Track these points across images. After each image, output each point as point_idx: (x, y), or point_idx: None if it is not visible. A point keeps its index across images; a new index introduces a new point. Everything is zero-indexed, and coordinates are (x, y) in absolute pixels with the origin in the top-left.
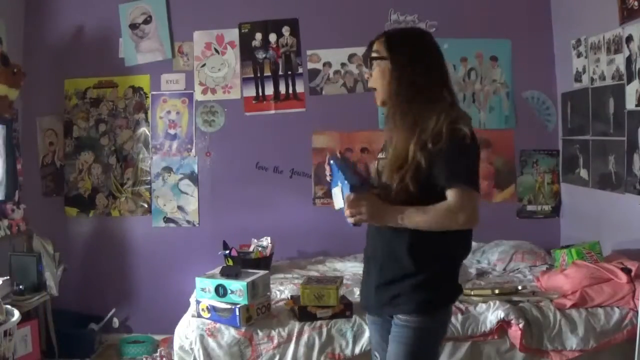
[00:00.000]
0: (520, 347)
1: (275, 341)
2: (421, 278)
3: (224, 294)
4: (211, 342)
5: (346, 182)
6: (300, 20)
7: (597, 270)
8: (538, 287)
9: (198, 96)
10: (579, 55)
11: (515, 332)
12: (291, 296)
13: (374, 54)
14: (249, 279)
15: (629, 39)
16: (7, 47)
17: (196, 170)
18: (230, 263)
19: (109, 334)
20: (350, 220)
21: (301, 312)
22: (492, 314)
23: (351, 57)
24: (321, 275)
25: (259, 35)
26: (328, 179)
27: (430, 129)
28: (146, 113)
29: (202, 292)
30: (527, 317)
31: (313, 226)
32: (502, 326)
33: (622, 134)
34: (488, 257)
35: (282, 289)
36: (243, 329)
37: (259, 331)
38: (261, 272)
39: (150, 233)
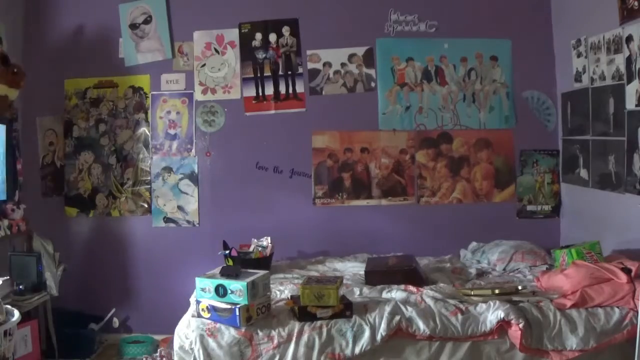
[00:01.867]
0: (520, 347)
1: (275, 341)
2: None
3: (224, 294)
4: (211, 342)
5: None
6: (300, 20)
7: (597, 270)
8: (538, 287)
9: (198, 96)
10: (579, 55)
11: (515, 332)
12: (291, 296)
13: None
14: (249, 279)
15: (629, 39)
16: (7, 47)
17: (196, 170)
18: (230, 263)
19: (109, 334)
20: None
21: (301, 312)
22: (492, 314)
23: (351, 57)
24: (321, 275)
25: (259, 35)
26: None
27: None
28: (146, 113)
29: (202, 292)
30: (527, 317)
31: (313, 226)
32: (502, 326)
33: (622, 134)
34: (488, 257)
35: (282, 289)
36: (243, 329)
37: (259, 331)
38: (261, 272)
39: (150, 233)
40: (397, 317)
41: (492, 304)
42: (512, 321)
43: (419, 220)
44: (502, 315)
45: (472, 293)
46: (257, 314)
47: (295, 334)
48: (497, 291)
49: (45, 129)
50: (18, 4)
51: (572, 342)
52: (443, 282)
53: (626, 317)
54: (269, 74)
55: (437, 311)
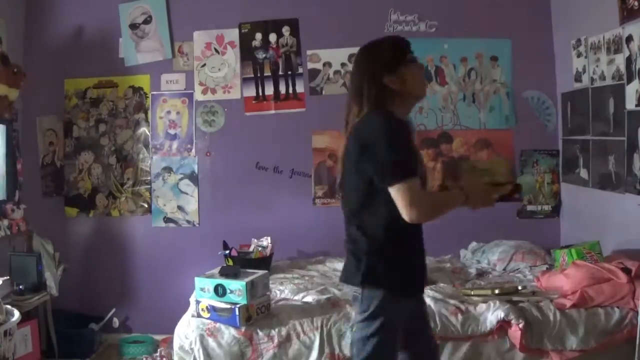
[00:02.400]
0: (520, 347)
1: (276, 341)
2: None
3: (223, 294)
4: (211, 342)
5: None
6: (300, 20)
7: (597, 270)
8: (538, 287)
9: (198, 96)
10: (579, 55)
11: (515, 332)
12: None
13: None
14: (248, 279)
15: (629, 39)
16: (7, 47)
17: (196, 170)
18: (230, 263)
19: (109, 334)
20: None
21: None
22: (492, 314)
23: (351, 57)
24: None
25: (259, 35)
26: None
27: None
28: (146, 113)
29: (202, 291)
30: (527, 317)
31: (313, 226)
32: (502, 326)
33: (622, 134)
34: (488, 257)
35: (282, 289)
36: (243, 329)
37: (259, 331)
38: (260, 272)
39: (150, 233)
40: None
41: (492, 304)
42: (512, 321)
43: None
44: (502, 315)
45: (472, 293)
46: (257, 314)
47: (295, 334)
48: (497, 291)
49: (45, 129)
50: (18, 4)
51: (572, 342)
52: (443, 282)
53: (626, 317)
54: (269, 74)
55: (437, 311)
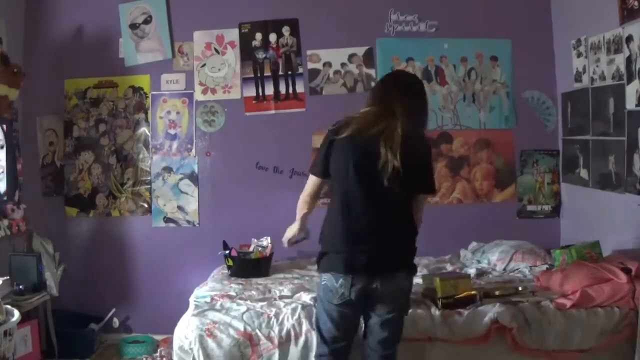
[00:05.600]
0: (519, 348)
1: (275, 341)
2: None
3: None
4: (210, 342)
5: None
6: (300, 20)
7: (597, 270)
8: (538, 287)
9: (198, 96)
10: (579, 55)
11: (513, 332)
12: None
13: None
14: None
15: (629, 39)
16: (7, 47)
17: (196, 170)
18: (230, 263)
19: (109, 334)
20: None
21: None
22: (490, 314)
23: (351, 57)
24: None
25: (259, 35)
26: None
27: None
28: (146, 113)
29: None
30: (527, 317)
31: (313, 226)
32: (501, 327)
33: (622, 134)
34: (488, 257)
35: (282, 289)
36: (242, 329)
37: (258, 331)
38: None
39: (150, 233)
40: None
41: (490, 304)
42: (511, 322)
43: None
44: (501, 316)
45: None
46: None
47: (294, 335)
48: (497, 292)
49: (45, 129)
50: (18, 4)
51: (572, 342)
52: None
53: (626, 317)
54: (269, 74)
55: (435, 312)
